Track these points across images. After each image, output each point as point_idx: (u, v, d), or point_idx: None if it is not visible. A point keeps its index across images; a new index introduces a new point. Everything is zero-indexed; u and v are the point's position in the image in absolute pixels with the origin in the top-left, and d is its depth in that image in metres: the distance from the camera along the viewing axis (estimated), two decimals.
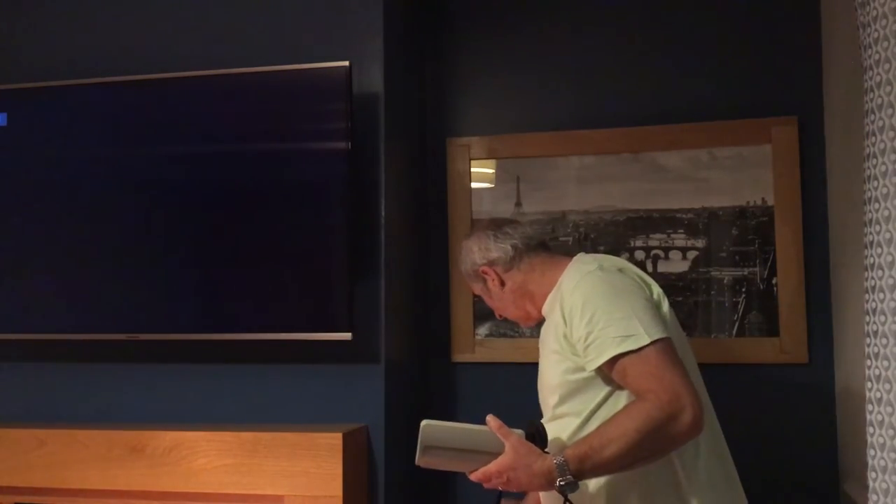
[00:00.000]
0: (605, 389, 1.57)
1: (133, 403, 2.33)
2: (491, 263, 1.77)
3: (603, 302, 1.54)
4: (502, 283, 1.77)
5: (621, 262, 1.73)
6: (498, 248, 1.77)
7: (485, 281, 1.80)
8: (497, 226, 1.82)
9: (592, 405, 1.58)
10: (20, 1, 2.49)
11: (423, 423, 1.51)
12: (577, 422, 1.59)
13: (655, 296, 1.63)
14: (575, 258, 1.73)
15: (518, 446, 1.48)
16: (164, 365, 2.33)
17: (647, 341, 1.47)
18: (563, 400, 1.62)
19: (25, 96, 2.35)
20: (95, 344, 2.35)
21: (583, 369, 1.57)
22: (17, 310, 2.34)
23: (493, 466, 1.47)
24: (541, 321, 1.78)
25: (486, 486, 1.50)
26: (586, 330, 1.53)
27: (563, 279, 1.67)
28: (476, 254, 1.80)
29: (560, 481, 1.42)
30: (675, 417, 1.42)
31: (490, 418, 1.51)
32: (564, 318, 1.59)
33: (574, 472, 1.43)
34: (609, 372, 1.53)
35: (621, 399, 1.55)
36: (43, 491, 2.16)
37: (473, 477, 1.50)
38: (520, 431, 1.51)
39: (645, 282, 1.65)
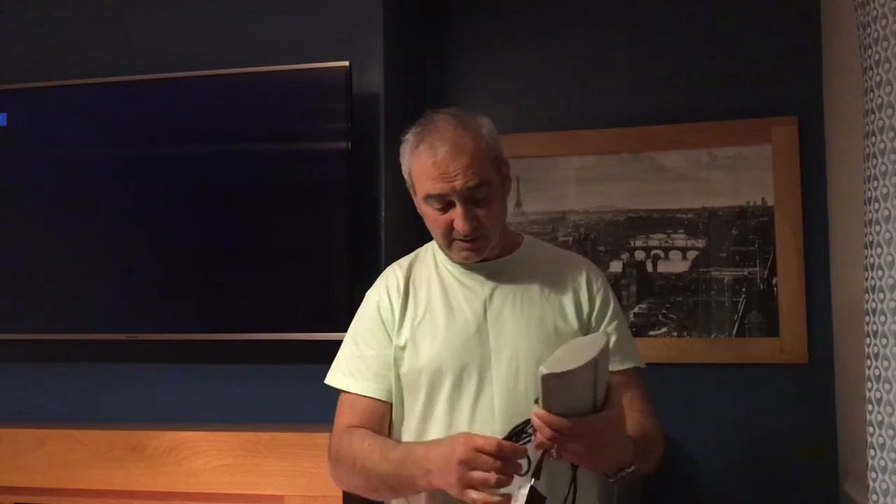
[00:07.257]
0: None
1: (133, 403, 2.33)
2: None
3: (620, 310, 1.53)
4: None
5: None
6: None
7: (501, 177, 1.43)
8: None
9: None
10: (21, 1, 2.49)
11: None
12: None
13: None
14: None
15: (621, 414, 1.25)
16: (164, 365, 2.33)
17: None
18: None
19: (25, 96, 2.35)
20: (95, 344, 2.35)
21: None
22: (16, 310, 2.34)
23: (580, 424, 1.18)
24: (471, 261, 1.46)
25: (541, 446, 1.20)
26: (613, 324, 1.49)
27: (562, 254, 1.59)
28: (500, 143, 1.44)
29: (624, 471, 1.27)
30: None
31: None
32: (592, 299, 1.49)
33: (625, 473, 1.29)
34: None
35: None
36: (43, 491, 2.16)
37: (541, 419, 1.16)
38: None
39: None
